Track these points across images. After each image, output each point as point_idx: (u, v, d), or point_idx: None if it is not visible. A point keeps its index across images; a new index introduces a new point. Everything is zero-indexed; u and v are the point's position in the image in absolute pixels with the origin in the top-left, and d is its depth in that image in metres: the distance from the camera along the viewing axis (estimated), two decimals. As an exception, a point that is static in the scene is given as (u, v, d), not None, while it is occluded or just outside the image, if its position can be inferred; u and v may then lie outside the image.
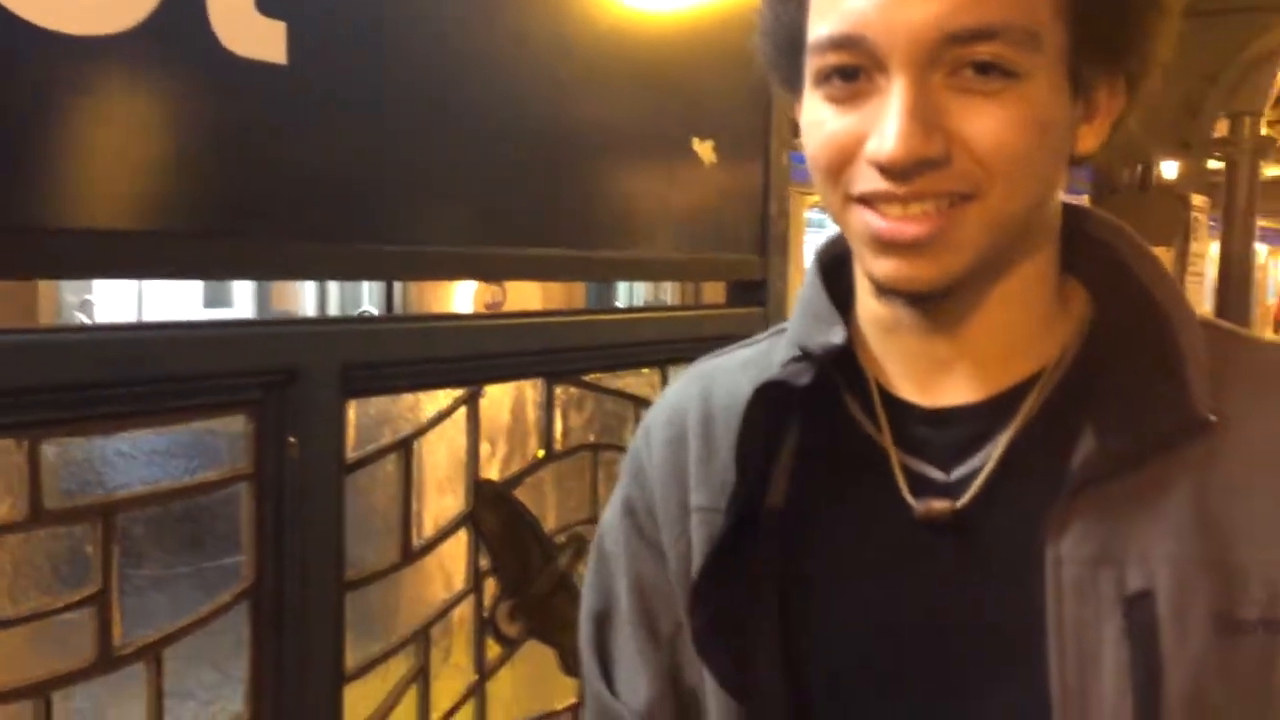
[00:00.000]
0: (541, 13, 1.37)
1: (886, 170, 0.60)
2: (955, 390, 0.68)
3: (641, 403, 1.62)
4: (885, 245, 0.62)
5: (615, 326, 1.53)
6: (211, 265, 1.09)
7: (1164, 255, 4.37)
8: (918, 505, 0.66)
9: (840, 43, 0.60)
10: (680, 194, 1.64)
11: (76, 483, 0.97)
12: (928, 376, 0.69)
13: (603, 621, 0.79)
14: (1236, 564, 0.61)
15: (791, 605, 0.70)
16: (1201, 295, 4.91)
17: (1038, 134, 0.60)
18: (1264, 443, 0.63)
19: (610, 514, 0.81)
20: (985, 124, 0.59)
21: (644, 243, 1.58)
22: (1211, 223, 4.92)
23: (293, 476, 1.13)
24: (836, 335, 0.70)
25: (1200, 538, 0.62)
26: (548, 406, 1.48)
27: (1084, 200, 7.79)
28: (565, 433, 1.52)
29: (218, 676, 1.11)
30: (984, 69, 0.58)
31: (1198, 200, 4.65)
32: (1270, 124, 5.51)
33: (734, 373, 0.78)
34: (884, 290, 0.65)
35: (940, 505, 0.66)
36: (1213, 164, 4.93)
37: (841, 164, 0.62)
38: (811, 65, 0.62)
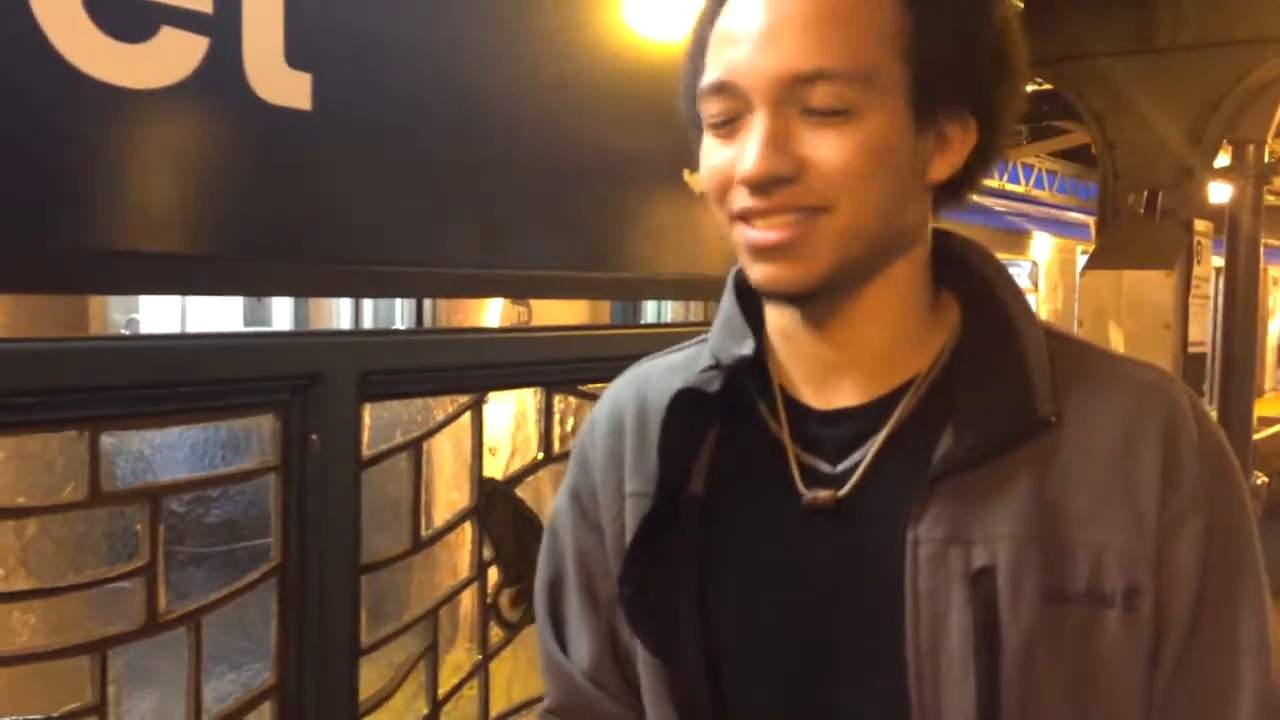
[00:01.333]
0: (552, 52, 1.53)
1: (749, 186, 0.69)
2: (844, 393, 0.77)
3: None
4: (756, 251, 0.71)
5: (609, 341, 1.68)
6: (250, 284, 1.25)
7: (1167, 280, 4.45)
8: (806, 494, 0.75)
9: (717, 88, 0.71)
10: (676, 219, 1.79)
11: (129, 470, 1.12)
12: (822, 381, 0.77)
13: (554, 590, 0.89)
14: (1067, 543, 0.70)
15: (706, 579, 0.77)
16: (1206, 318, 4.97)
17: (875, 158, 0.69)
18: (1095, 439, 0.72)
19: (560, 498, 0.90)
20: (827, 149, 0.68)
21: (656, 263, 1.73)
22: (1216, 247, 5.00)
23: (314, 470, 1.28)
24: (746, 347, 0.79)
25: (1037, 521, 0.70)
26: (546, 413, 1.63)
27: (1090, 224, 7.85)
28: (563, 438, 1.67)
29: (251, 645, 1.25)
30: (824, 105, 0.68)
31: (1201, 225, 4.73)
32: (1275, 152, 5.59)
33: (665, 375, 0.85)
34: (763, 293, 0.75)
35: (824, 494, 0.74)
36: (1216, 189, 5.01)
37: (723, 188, 0.72)
38: (702, 110, 0.73)
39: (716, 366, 0.79)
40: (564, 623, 0.89)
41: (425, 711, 1.46)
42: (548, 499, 1.66)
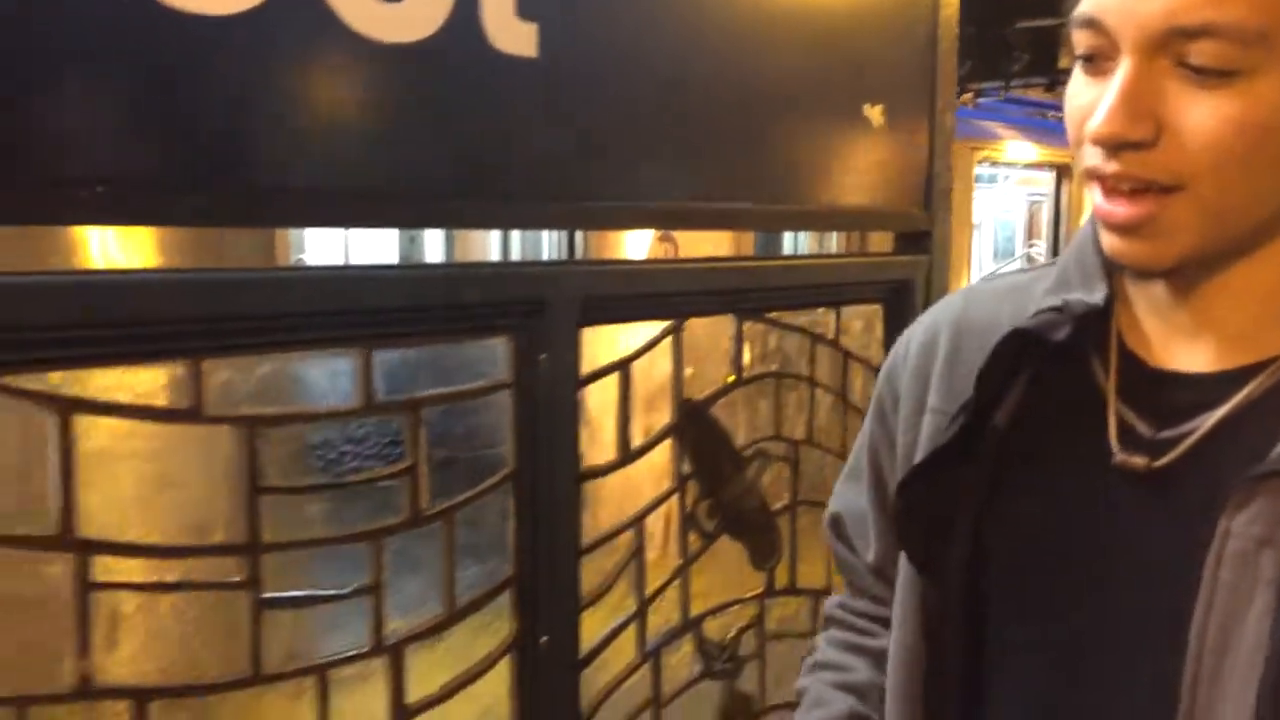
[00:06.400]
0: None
1: (1095, 145, 0.64)
2: (1188, 358, 0.71)
3: (817, 339, 1.86)
4: (1105, 224, 0.66)
5: (796, 271, 1.77)
6: (495, 219, 1.38)
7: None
8: (1119, 454, 0.70)
9: (1084, 22, 0.64)
10: (853, 153, 1.85)
11: (395, 384, 1.28)
12: (1166, 340, 0.72)
13: (848, 481, 0.95)
14: None
15: (987, 510, 0.76)
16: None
17: (1251, 133, 0.60)
18: None
19: (871, 406, 0.93)
20: (1197, 115, 0.60)
21: (821, 197, 1.80)
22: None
23: (542, 387, 1.42)
24: (1097, 294, 0.73)
25: None
26: (737, 339, 1.73)
27: None
28: (752, 362, 1.77)
29: (492, 540, 1.41)
30: (1204, 64, 0.59)
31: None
32: None
33: (994, 299, 0.82)
34: (1112, 262, 0.70)
35: (1139, 460, 0.69)
36: None
37: (1077, 136, 0.66)
38: (1072, 38, 0.66)
39: (1061, 310, 0.74)
40: (849, 522, 0.95)
41: (633, 609, 1.61)
42: (740, 420, 1.77)
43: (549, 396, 1.43)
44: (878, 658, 0.92)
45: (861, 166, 1.87)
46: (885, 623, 0.90)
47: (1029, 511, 0.76)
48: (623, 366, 1.56)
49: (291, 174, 1.15)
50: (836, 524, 0.99)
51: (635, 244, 4.84)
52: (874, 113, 1.87)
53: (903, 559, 0.83)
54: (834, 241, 4.89)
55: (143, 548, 1.09)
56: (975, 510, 0.76)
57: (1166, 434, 0.70)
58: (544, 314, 1.40)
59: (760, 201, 1.70)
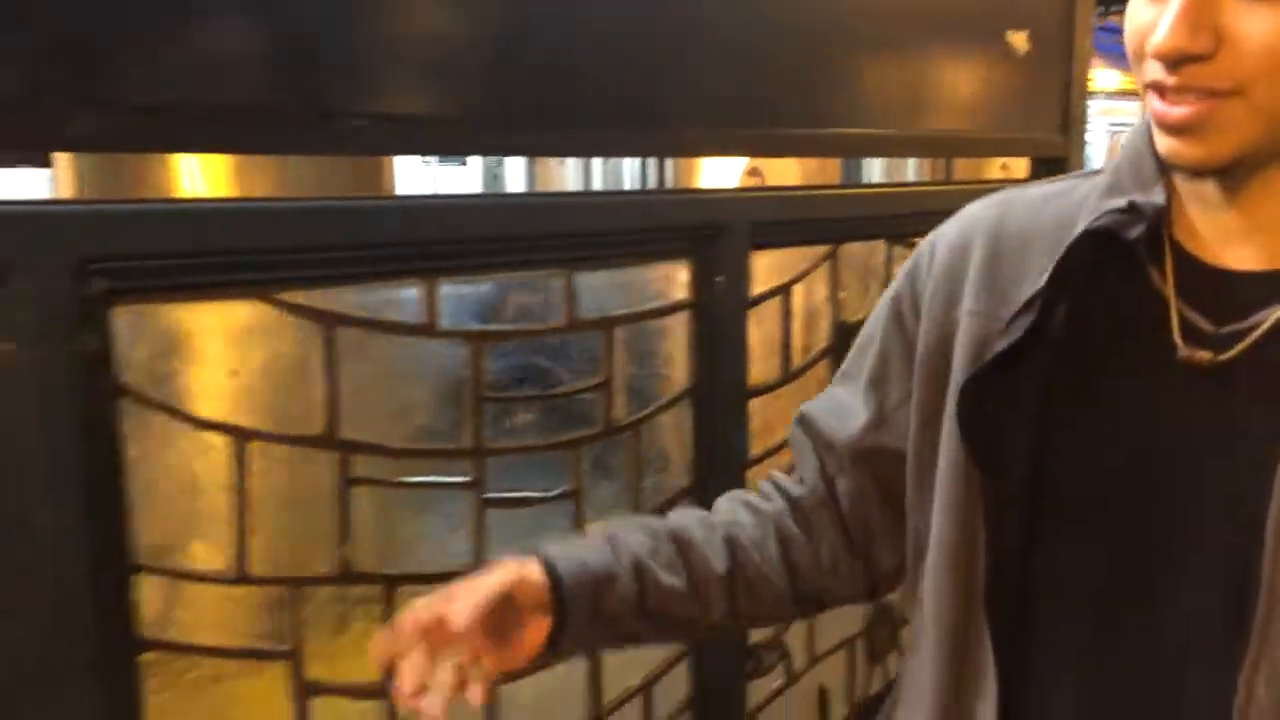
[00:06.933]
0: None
1: (1158, 60, 0.66)
2: (1246, 257, 0.73)
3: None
4: (1161, 125, 0.69)
5: (947, 197, 1.81)
6: (649, 148, 1.45)
7: None
8: (1183, 349, 0.72)
9: None
10: (996, 78, 1.88)
11: (593, 304, 1.37)
12: (1223, 240, 0.74)
13: (845, 378, 0.94)
14: None
15: (1048, 409, 0.77)
16: None
17: None
18: None
19: (878, 307, 0.92)
20: (1255, 25, 0.63)
21: (965, 122, 1.84)
22: None
23: (716, 308, 1.51)
24: (1158, 195, 0.75)
25: None
26: (887, 263, 1.80)
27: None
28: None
29: (675, 449, 1.51)
30: None
31: None
32: None
33: (1034, 204, 0.82)
34: (1168, 164, 0.73)
35: (1204, 354, 0.71)
36: None
37: (1138, 53, 0.69)
38: None
39: (1130, 210, 0.75)
40: (838, 400, 0.94)
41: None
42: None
43: (722, 317, 1.51)
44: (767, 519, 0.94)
45: (1004, 92, 1.90)
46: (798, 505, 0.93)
47: (1090, 408, 0.76)
48: (785, 290, 1.64)
49: (499, 104, 1.23)
50: (804, 420, 0.97)
51: (722, 175, 4.88)
52: (1018, 39, 1.90)
53: (947, 455, 0.82)
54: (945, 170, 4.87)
55: (391, 449, 1.20)
56: (1032, 415, 0.77)
57: (1229, 329, 0.72)
58: (721, 238, 1.48)
59: (906, 127, 1.75)
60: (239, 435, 1.09)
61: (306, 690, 1.16)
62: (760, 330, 1.67)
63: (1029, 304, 0.76)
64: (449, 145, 1.29)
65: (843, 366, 0.96)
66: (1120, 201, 0.76)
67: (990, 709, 0.79)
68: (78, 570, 0.96)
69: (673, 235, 1.45)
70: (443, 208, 1.23)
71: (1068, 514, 0.77)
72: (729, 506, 0.98)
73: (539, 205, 1.34)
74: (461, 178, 7.40)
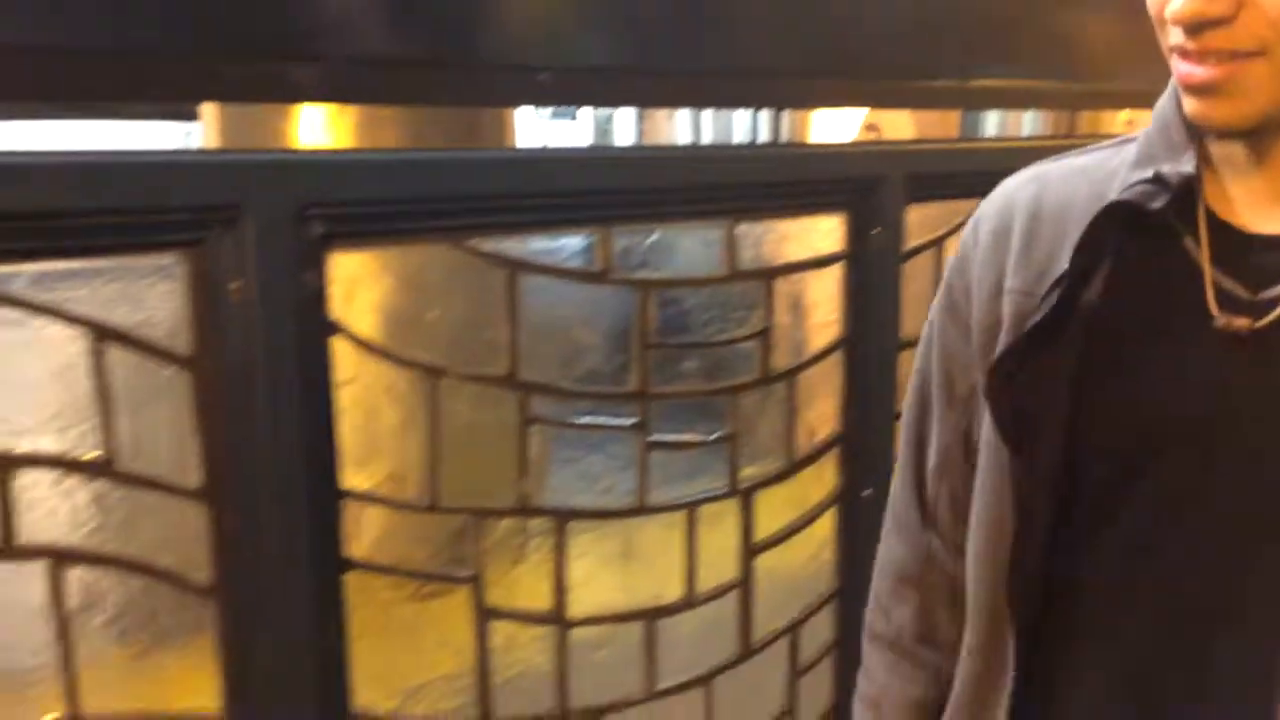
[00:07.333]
0: None
1: (1178, 25, 0.66)
2: (1276, 222, 0.72)
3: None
4: (1186, 87, 0.69)
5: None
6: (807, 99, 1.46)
7: None
8: (1220, 317, 0.71)
9: None
10: (1129, 27, 1.82)
11: (752, 256, 1.40)
12: (1254, 206, 0.73)
13: (920, 391, 0.93)
14: None
15: (1083, 382, 0.76)
16: None
17: None
18: None
19: (936, 299, 0.92)
20: None
21: (1099, 73, 1.79)
22: None
23: (873, 259, 1.52)
24: (1187, 163, 0.74)
25: None
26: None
27: None
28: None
29: (827, 399, 1.54)
30: None
31: None
32: None
33: (1069, 178, 0.81)
34: (1195, 127, 0.72)
35: (1241, 321, 0.71)
36: None
37: (1161, 18, 0.69)
38: None
39: (1156, 180, 0.75)
40: (926, 419, 0.92)
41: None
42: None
43: (877, 269, 1.52)
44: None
45: (1141, 42, 1.84)
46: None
47: (1126, 385, 0.76)
48: (939, 243, 1.64)
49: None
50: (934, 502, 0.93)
51: (837, 131, 4.83)
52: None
53: (986, 433, 0.83)
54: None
55: (565, 391, 1.26)
56: (1066, 389, 0.76)
57: (1265, 295, 0.71)
58: (879, 191, 1.49)
59: (1060, 80, 1.72)
60: (432, 373, 1.16)
61: (486, 614, 1.24)
62: (913, 284, 1.67)
63: (1058, 281, 0.76)
64: (617, 97, 1.33)
65: (915, 365, 0.94)
66: (1147, 172, 0.75)
67: (1005, 696, 0.81)
68: (296, 494, 1.04)
69: (833, 187, 1.47)
70: (616, 159, 1.27)
71: (1099, 491, 0.77)
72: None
73: (707, 157, 1.37)
74: (573, 132, 7.47)
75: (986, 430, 0.82)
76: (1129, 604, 0.77)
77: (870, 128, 4.95)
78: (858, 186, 1.49)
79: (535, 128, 6.74)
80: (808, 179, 1.43)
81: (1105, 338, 0.76)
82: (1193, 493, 0.74)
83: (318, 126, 2.65)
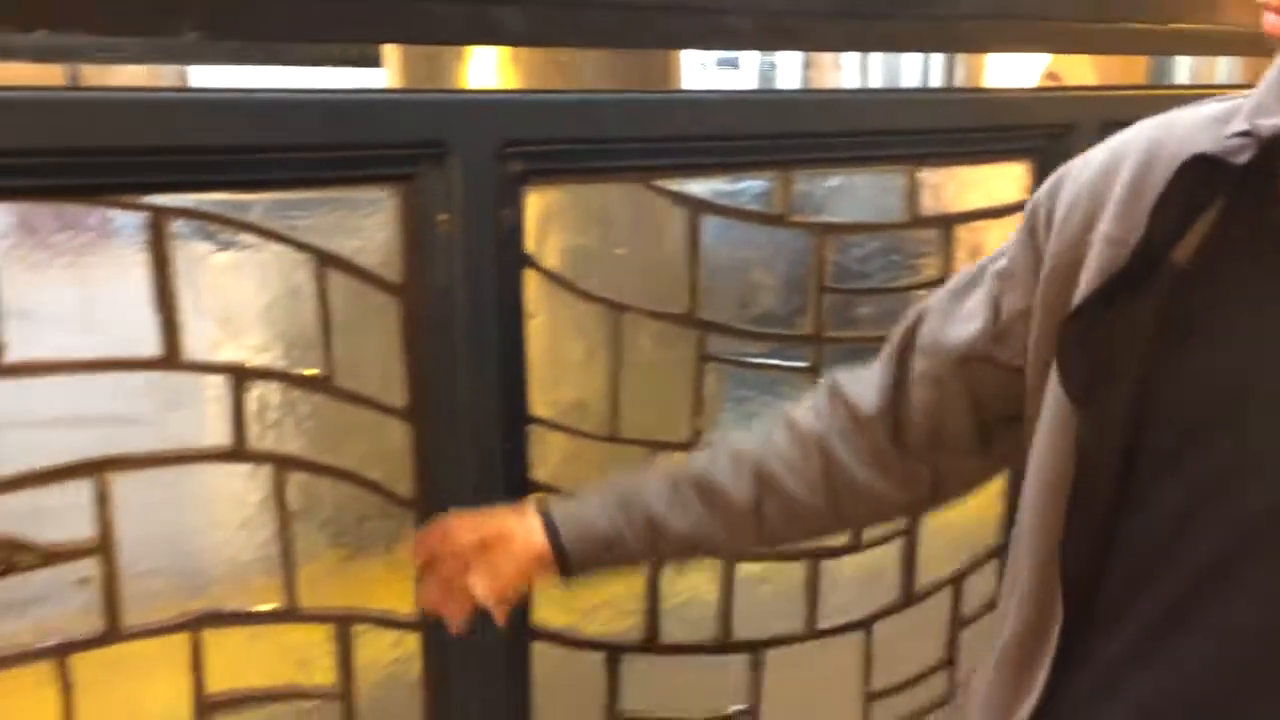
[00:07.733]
0: None
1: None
2: None
3: None
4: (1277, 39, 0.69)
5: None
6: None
7: None
8: None
9: None
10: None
11: (931, 203, 1.39)
12: None
13: (971, 279, 0.92)
14: None
15: (1159, 342, 0.73)
16: None
17: None
18: None
19: (1022, 221, 0.89)
20: None
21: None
22: None
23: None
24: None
25: None
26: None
27: None
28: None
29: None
30: None
31: None
32: None
33: (1193, 127, 0.78)
34: None
35: None
36: None
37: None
38: None
39: (1249, 134, 0.70)
40: (958, 302, 0.92)
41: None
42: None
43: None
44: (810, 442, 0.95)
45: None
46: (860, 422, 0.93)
47: (1203, 351, 0.72)
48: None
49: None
50: (920, 316, 0.95)
51: (1013, 78, 4.64)
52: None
53: (1051, 387, 0.80)
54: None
55: (743, 330, 1.29)
56: (1143, 350, 0.73)
57: None
58: (1069, 138, 1.44)
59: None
60: (615, 308, 1.20)
61: (658, 543, 1.29)
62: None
63: (1148, 234, 0.72)
64: (804, 41, 1.33)
65: (972, 269, 0.92)
66: (1246, 125, 0.71)
67: (1048, 658, 0.80)
68: (490, 417, 1.11)
69: (1022, 134, 1.43)
70: (797, 102, 1.28)
71: (1161, 455, 0.74)
72: (770, 430, 0.99)
73: (890, 101, 1.36)
74: (736, 78, 7.43)
75: (1053, 384, 0.80)
76: (1173, 573, 0.74)
77: (1051, 75, 4.73)
78: (1047, 134, 1.45)
79: (698, 74, 6.71)
80: (995, 124, 1.40)
81: (1192, 303, 0.73)
82: (1257, 462, 0.70)
83: (492, 70, 2.74)
